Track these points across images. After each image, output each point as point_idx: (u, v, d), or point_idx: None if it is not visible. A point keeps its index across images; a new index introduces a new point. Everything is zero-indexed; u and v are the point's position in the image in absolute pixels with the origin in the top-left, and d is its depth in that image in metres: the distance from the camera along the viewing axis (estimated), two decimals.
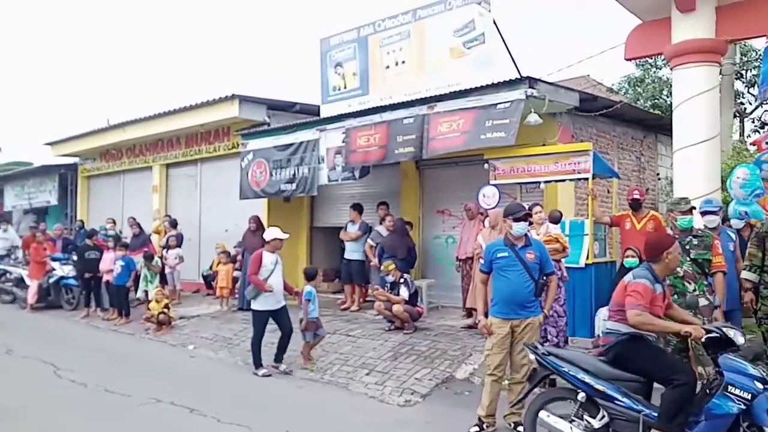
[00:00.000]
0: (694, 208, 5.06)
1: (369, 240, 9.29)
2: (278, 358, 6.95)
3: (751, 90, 17.94)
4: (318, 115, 10.48)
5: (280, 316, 6.87)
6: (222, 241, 10.99)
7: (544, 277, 4.85)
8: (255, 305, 6.88)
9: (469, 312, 7.84)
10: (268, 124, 11.00)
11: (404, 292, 7.83)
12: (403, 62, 9.33)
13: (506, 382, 4.87)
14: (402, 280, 7.92)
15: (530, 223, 6.56)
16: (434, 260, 9.79)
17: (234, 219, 10.28)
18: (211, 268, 11.18)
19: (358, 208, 9.84)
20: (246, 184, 10.56)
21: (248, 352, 7.03)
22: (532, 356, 4.32)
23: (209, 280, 11.27)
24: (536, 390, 4.42)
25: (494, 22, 8.17)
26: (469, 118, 7.68)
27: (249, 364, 6.99)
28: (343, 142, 9.00)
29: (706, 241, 4.85)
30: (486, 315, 4.86)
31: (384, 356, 6.95)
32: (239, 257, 10.20)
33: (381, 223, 9.32)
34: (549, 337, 6.41)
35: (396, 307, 7.72)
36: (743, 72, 16.59)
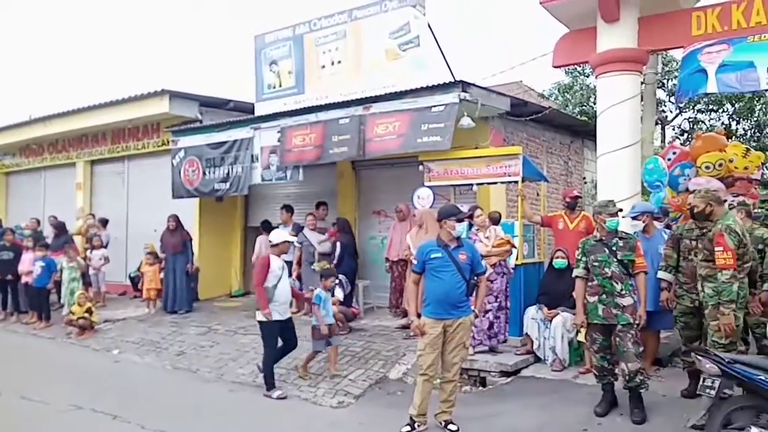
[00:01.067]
0: (621, 210, 5.27)
1: (295, 242, 9.13)
2: (271, 379, 6.09)
3: (671, 99, 18.92)
4: (252, 113, 10.30)
5: (286, 327, 6.18)
6: (151, 241, 10.61)
7: (475, 278, 4.94)
8: (262, 316, 6.04)
9: (404, 312, 7.90)
10: (201, 121, 10.72)
11: (339, 293, 7.77)
12: (339, 62, 9.30)
13: (438, 381, 4.93)
14: (337, 282, 7.88)
15: (471, 226, 6.77)
16: (370, 261, 9.81)
17: (163, 218, 9.95)
18: (138, 269, 10.77)
19: (288, 209, 9.68)
20: (179, 183, 10.25)
21: (177, 356, 6.83)
22: (711, 365, 3.99)
23: (136, 281, 10.86)
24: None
25: (429, 26, 8.26)
26: (405, 121, 7.74)
27: (178, 369, 6.79)
28: (278, 141, 8.88)
29: (630, 243, 5.07)
30: (419, 315, 4.90)
31: (318, 358, 6.88)
32: (164, 258, 9.90)
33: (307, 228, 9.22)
34: (496, 331, 6.59)
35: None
36: (665, 81, 17.48)
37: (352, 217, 10.03)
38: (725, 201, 5.96)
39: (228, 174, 9.55)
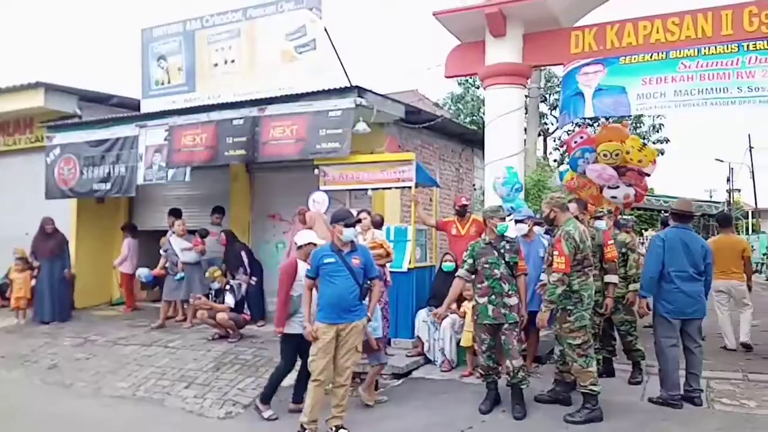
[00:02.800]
0: (509, 215, 5.52)
1: (162, 251, 8.75)
2: (301, 395, 5.31)
3: (553, 112, 20.24)
4: (138, 110, 9.77)
5: (306, 342, 5.05)
6: (21, 246, 9.73)
7: (368, 282, 4.97)
8: (292, 328, 5.30)
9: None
10: (80, 117, 10.01)
11: (230, 300, 7.56)
12: (233, 61, 9.05)
13: (330, 386, 4.90)
14: (228, 287, 7.65)
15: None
16: (265, 265, 9.60)
17: (36, 220, 9.16)
18: (6, 276, 9.84)
19: (175, 213, 9.27)
20: (52, 183, 9.49)
21: (49, 370, 6.28)
22: None
23: (4, 289, 9.92)
24: None
25: (326, 30, 8.25)
26: (301, 124, 7.65)
27: (49, 384, 6.25)
28: (166, 140, 8.46)
29: (515, 246, 5.33)
30: (312, 321, 4.85)
31: (205, 367, 6.63)
32: (35, 264, 9.14)
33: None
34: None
35: (220, 316, 7.42)
36: (547, 96, 18.67)
37: (246, 221, 9.80)
38: (601, 211, 6.47)
39: (109, 174, 8.97)
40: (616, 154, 7.55)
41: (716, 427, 4.70)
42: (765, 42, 6.17)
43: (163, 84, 9.76)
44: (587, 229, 5.29)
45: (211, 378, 6.33)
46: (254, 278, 8.58)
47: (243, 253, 8.61)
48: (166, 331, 8.18)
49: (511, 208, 6.76)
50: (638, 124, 20.98)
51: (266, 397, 5.45)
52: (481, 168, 11.89)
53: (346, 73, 8.29)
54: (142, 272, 8.96)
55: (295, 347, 5.33)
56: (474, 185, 12.27)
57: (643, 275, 5.39)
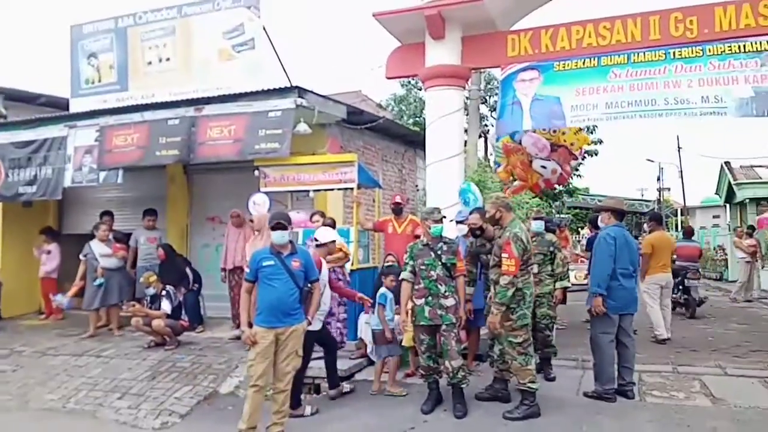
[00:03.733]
0: (445, 217, 5.54)
1: (81, 256, 8.34)
2: (335, 380, 5.81)
3: (493, 114, 20.59)
4: (67, 109, 9.34)
5: (322, 335, 5.65)
6: None
7: (308, 285, 4.90)
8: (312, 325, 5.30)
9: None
10: (5, 117, 9.51)
11: (166, 306, 7.32)
12: (168, 59, 8.78)
13: (270, 391, 4.81)
14: (164, 293, 7.41)
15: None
16: (203, 270, 9.34)
17: None
18: None
19: (108, 215, 8.92)
20: None
21: None
22: None
23: None
24: None
25: (264, 29, 8.11)
26: (240, 125, 7.50)
27: None
28: (96, 140, 8.11)
29: (453, 247, 5.35)
30: (250, 325, 4.74)
31: (140, 376, 6.39)
32: None
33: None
34: (342, 338, 6.58)
35: (156, 323, 7.18)
36: (487, 98, 19.00)
37: (184, 224, 9.54)
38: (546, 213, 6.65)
39: (36, 176, 8.52)
40: (553, 131, 8.00)
41: (647, 419, 4.88)
42: (690, 49, 6.48)
43: (93, 83, 9.37)
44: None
45: (146, 387, 6.11)
46: (196, 285, 8.36)
47: (188, 270, 8.38)
48: (99, 340, 7.85)
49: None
50: None
51: (295, 401, 5.27)
52: (423, 169, 11.97)
53: (286, 73, 8.21)
54: (60, 300, 8.46)
55: (313, 343, 5.49)
56: (417, 186, 12.35)
57: (597, 273, 5.38)
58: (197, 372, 6.44)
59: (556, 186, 8.93)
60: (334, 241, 5.85)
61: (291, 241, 4.89)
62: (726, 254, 18.75)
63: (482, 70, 15.02)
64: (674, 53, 6.52)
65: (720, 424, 4.69)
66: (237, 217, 8.14)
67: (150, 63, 8.95)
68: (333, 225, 7.11)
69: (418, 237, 6.36)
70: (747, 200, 21.37)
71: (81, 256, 8.29)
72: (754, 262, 13.04)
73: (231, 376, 6.31)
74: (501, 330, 5.05)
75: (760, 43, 6.27)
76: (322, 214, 6.86)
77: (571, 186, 23.56)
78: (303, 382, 5.58)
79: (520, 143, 8.06)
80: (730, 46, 6.34)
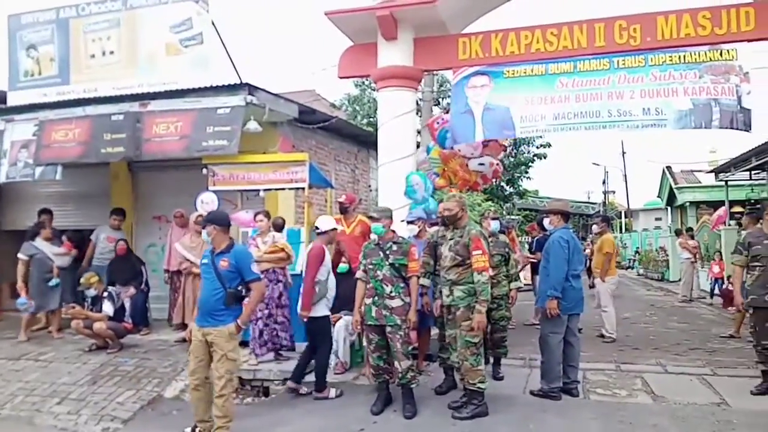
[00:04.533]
0: (383, 217, 5.52)
1: (21, 255, 7.88)
2: (301, 377, 5.81)
3: (446, 116, 20.76)
4: (4, 102, 8.90)
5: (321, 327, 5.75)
6: None
7: (241, 286, 4.63)
8: (318, 311, 5.58)
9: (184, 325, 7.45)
10: None
11: (108, 308, 7.07)
12: (112, 53, 8.46)
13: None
14: (105, 294, 7.15)
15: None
16: (149, 270, 9.08)
17: None
18: None
19: (47, 213, 8.56)
20: None
21: None
22: None
23: None
24: None
25: (213, 24, 7.93)
26: (187, 121, 7.32)
27: None
28: (34, 135, 7.78)
29: (404, 248, 5.34)
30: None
31: (81, 381, 6.15)
32: None
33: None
34: (280, 342, 6.46)
35: (97, 325, 6.91)
36: (440, 99, 19.16)
37: (128, 222, 9.22)
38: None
39: None
40: None
41: (591, 416, 5.00)
42: (633, 58, 6.69)
43: (33, 75, 8.94)
44: None
45: (87, 392, 5.88)
46: (144, 287, 8.12)
47: (143, 268, 8.18)
48: (38, 343, 7.51)
49: (424, 210, 6.91)
50: None
51: (320, 384, 5.65)
52: (376, 169, 11.97)
53: (236, 69, 8.05)
54: (22, 303, 7.83)
55: (328, 326, 5.76)
56: (370, 186, 12.34)
57: (553, 276, 5.44)
58: (141, 376, 6.24)
59: (493, 180, 9.19)
60: (335, 229, 5.84)
61: (231, 240, 4.76)
62: (667, 255, 19.48)
63: (435, 73, 15.13)
64: (618, 62, 6.73)
65: (660, 421, 4.84)
66: (181, 217, 7.95)
67: (93, 56, 8.61)
68: (282, 225, 7.05)
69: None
70: (687, 203, 22.26)
71: (23, 256, 7.85)
72: (695, 264, 13.60)
73: (176, 379, 6.14)
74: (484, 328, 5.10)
75: (699, 53, 6.54)
76: (267, 214, 6.75)
77: (521, 188, 24.04)
78: (327, 365, 5.78)
79: (452, 148, 8.20)
80: (670, 56, 6.59)
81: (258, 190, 7.65)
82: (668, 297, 14.89)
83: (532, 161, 22.77)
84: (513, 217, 21.72)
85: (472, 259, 4.97)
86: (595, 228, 8.80)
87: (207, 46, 8.01)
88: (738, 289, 5.84)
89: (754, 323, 5.65)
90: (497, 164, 8.96)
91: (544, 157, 22.59)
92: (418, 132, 16.50)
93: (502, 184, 22.73)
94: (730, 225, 13.76)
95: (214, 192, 7.63)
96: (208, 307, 4.55)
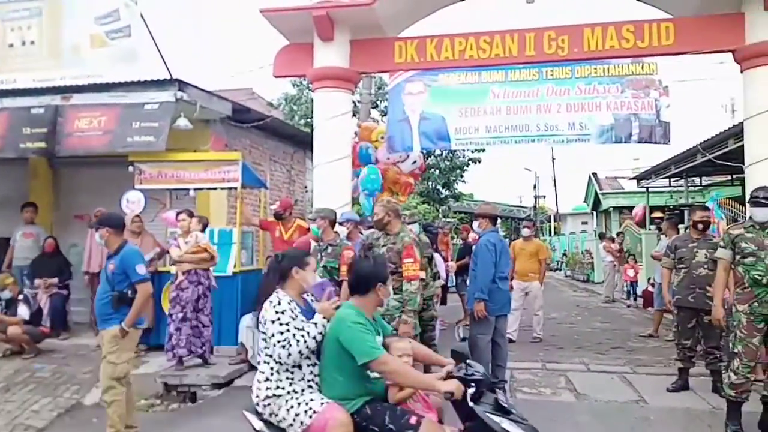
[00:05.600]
0: (319, 218, 5.49)
1: None
2: None
3: (384, 118, 20.87)
4: None
5: None
6: None
7: (126, 288, 4.47)
8: None
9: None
10: None
11: (23, 311, 6.70)
12: (33, 43, 8.00)
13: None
14: (21, 297, 6.77)
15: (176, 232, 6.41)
16: (73, 271, 8.66)
17: None
18: None
19: None
20: None
21: None
22: None
23: None
24: None
25: (142, 16, 7.64)
26: (112, 116, 7.05)
27: None
28: None
29: (337, 250, 5.31)
30: None
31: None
32: None
33: None
34: (193, 348, 6.26)
35: (12, 329, 6.55)
36: (378, 102, 19.23)
37: (48, 221, 8.77)
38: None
39: None
40: (382, 137, 8.53)
41: None
42: (560, 69, 6.96)
43: None
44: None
45: (0, 400, 5.54)
46: (65, 290, 7.74)
47: (71, 270, 7.86)
48: None
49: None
50: None
51: None
52: (312, 170, 11.89)
53: (166, 64, 7.76)
54: None
55: None
56: (306, 187, 12.23)
57: (481, 279, 5.52)
58: (59, 382, 5.94)
59: (419, 173, 9.48)
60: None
61: (123, 241, 4.61)
62: (593, 258, 20.30)
63: (372, 75, 15.17)
64: (546, 73, 7.00)
65: (582, 418, 5.03)
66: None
67: (12, 46, 8.11)
68: (206, 224, 6.79)
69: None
70: (611, 208, 23.28)
71: None
72: (618, 266, 14.25)
73: (97, 386, 5.85)
74: (411, 336, 4.97)
75: (622, 66, 6.87)
76: (190, 213, 6.54)
77: (457, 191, 24.47)
78: None
79: (376, 162, 8.39)
80: (595, 68, 6.90)
81: (188, 189, 7.44)
82: (592, 298, 15.53)
83: (467, 165, 23.24)
84: (448, 219, 22.09)
85: (403, 267, 4.90)
86: (526, 231, 8.97)
87: (135, 40, 7.69)
88: (666, 290, 6.13)
89: (678, 322, 5.93)
90: (421, 158, 9.34)
91: (479, 162, 23.10)
92: (356, 134, 16.56)
93: (438, 187, 23.09)
94: (650, 229, 14.50)
95: (141, 191, 7.38)
96: (98, 310, 4.52)
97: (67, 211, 8.94)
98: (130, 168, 7.37)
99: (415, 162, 8.75)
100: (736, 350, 4.49)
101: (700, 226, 5.80)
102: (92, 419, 5.29)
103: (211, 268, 6.50)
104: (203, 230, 6.59)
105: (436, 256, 8.32)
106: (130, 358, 4.57)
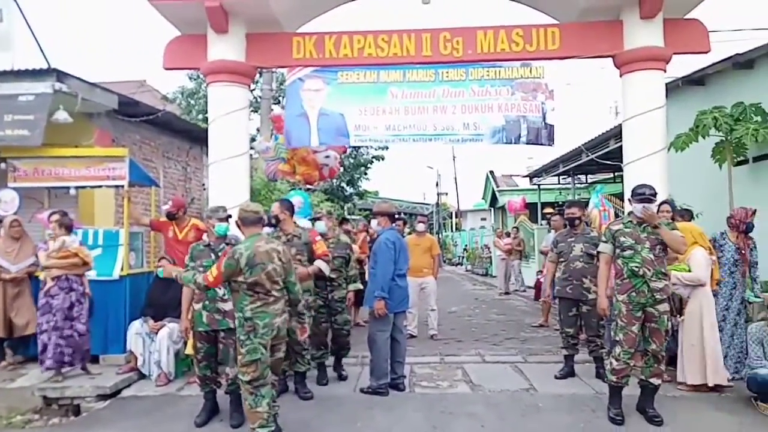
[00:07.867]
0: (230, 216, 5.29)
1: None
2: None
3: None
4: None
5: None
6: None
7: None
8: None
9: None
10: None
11: None
12: None
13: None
14: None
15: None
16: None
17: None
18: None
19: None
20: None
21: None
22: None
23: None
24: None
25: (16, 2, 7.03)
26: None
27: None
28: None
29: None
30: None
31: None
32: None
33: None
34: (66, 358, 5.82)
35: None
36: (280, 98, 18.92)
37: None
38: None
39: None
40: None
41: (415, 409, 5.20)
42: (455, 70, 7.13)
43: None
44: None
45: None
46: None
47: None
48: None
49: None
50: None
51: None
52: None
53: (43, 53, 7.23)
54: None
55: None
56: (203, 185, 11.78)
57: (380, 277, 5.52)
58: None
59: (336, 170, 9.42)
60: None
61: None
62: (490, 252, 21.13)
63: (273, 70, 14.89)
64: (442, 74, 7.16)
65: (476, 408, 5.18)
66: None
67: None
68: (70, 226, 6.22)
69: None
70: (507, 205, 24.33)
71: None
72: (509, 259, 14.88)
73: None
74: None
75: (512, 69, 7.14)
76: (64, 214, 6.06)
77: (361, 188, 24.59)
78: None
79: (289, 145, 8.23)
80: (488, 71, 7.15)
81: (68, 188, 6.92)
82: (490, 291, 16.14)
83: (371, 162, 23.42)
84: (355, 217, 22.16)
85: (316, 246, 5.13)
86: (421, 226, 9.07)
87: (8, 25, 7.07)
88: (548, 283, 6.48)
89: (560, 311, 6.37)
90: (339, 160, 9.17)
91: (382, 159, 23.34)
92: (257, 129, 16.16)
93: (342, 184, 23.09)
94: (541, 225, 15.29)
95: (15, 189, 6.78)
96: None
97: None
98: (3, 165, 6.76)
99: (328, 157, 8.66)
100: (617, 338, 4.80)
101: (576, 222, 6.28)
102: None
103: (85, 274, 6.07)
104: (68, 232, 6.03)
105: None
106: None
